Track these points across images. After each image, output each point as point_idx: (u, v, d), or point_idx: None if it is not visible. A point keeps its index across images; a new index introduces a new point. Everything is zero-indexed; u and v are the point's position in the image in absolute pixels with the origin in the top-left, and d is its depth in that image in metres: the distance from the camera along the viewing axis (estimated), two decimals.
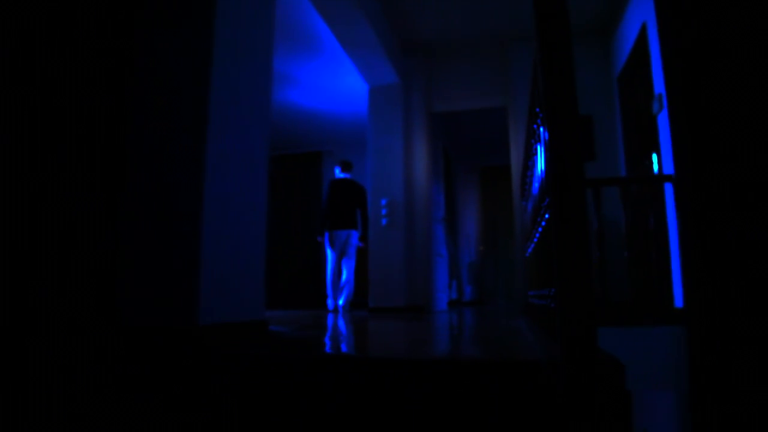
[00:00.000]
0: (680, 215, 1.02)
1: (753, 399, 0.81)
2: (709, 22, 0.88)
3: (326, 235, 5.87)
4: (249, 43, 2.41)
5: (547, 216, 1.76)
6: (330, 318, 4.25)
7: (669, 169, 3.79)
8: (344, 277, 5.81)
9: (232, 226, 2.17)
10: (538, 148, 1.81)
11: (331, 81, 6.50)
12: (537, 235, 2.28)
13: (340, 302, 5.75)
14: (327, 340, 2.14)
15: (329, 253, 5.91)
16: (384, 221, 5.46)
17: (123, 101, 2.11)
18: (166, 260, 1.97)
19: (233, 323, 2.12)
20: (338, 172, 6.10)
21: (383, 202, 5.50)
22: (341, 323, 3.48)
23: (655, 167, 4.09)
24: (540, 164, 1.81)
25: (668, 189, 3.68)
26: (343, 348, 1.88)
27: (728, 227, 0.92)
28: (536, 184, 2.10)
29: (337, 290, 5.93)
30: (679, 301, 3.54)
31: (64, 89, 1.94)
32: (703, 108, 0.89)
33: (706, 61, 0.97)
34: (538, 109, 1.65)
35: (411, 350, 1.81)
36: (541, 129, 1.52)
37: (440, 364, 1.34)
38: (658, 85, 3.90)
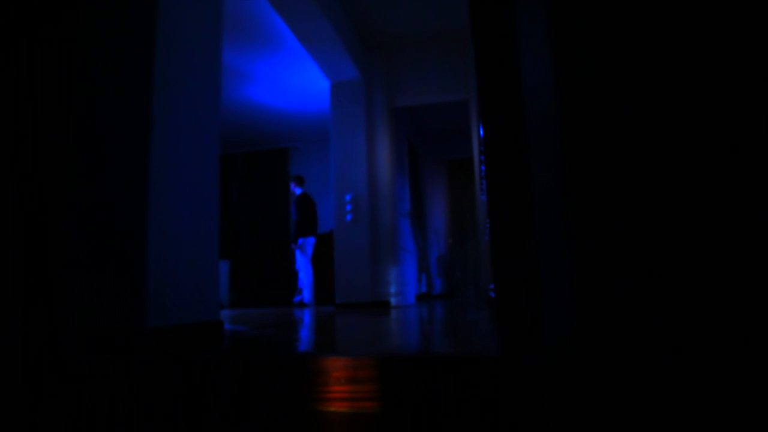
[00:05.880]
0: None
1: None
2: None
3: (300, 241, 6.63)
4: (195, 34, 2.35)
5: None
6: (296, 315, 4.23)
7: None
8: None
9: (181, 221, 2.12)
10: None
11: (293, 77, 6.43)
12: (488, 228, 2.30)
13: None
14: (284, 340, 2.12)
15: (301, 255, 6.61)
16: (348, 217, 5.44)
17: (67, 97, 2.03)
18: (110, 260, 1.91)
19: (185, 324, 2.08)
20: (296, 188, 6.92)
21: (347, 197, 5.47)
22: (303, 320, 3.46)
23: None
24: None
25: None
26: (299, 347, 1.86)
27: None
28: None
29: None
30: None
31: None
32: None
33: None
34: None
35: (354, 348, 1.80)
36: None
37: (380, 361, 1.33)
38: None
